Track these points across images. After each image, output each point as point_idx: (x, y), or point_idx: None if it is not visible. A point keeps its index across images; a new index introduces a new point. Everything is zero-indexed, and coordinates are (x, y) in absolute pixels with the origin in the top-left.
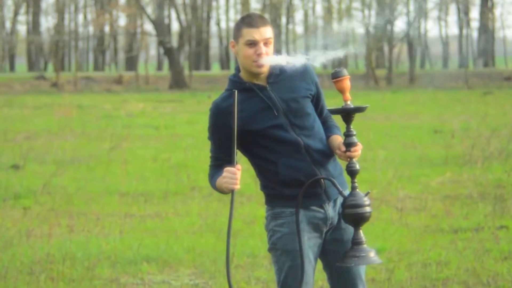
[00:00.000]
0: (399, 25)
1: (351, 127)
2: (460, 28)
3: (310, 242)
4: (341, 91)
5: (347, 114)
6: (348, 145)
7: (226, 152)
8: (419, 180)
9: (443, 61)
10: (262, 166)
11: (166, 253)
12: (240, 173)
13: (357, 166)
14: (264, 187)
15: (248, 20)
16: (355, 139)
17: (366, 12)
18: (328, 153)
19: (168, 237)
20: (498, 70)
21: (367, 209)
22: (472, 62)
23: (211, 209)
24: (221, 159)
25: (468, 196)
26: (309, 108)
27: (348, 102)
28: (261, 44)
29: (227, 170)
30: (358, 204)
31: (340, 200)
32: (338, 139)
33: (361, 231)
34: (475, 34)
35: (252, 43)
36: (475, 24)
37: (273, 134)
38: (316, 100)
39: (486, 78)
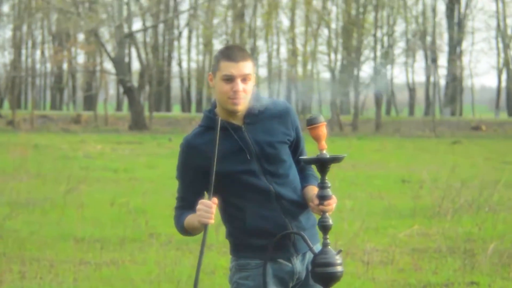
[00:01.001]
0: (366, 70)
1: (326, 178)
2: (428, 75)
3: None
4: (317, 139)
5: (322, 164)
6: (322, 198)
7: (195, 193)
8: (386, 232)
9: (409, 108)
10: (229, 212)
11: None
12: (215, 208)
13: (330, 221)
14: (229, 235)
15: (227, 53)
16: (329, 191)
17: (332, 56)
18: (301, 203)
19: (124, 286)
20: (465, 119)
21: (339, 268)
22: (439, 110)
23: (169, 257)
24: (188, 200)
25: (437, 249)
26: (285, 154)
27: (324, 151)
28: (238, 80)
29: (202, 203)
30: (329, 262)
31: (309, 254)
32: (313, 190)
33: None
34: (442, 82)
35: (229, 79)
36: (442, 71)
37: (243, 179)
38: (295, 147)
39: (453, 127)
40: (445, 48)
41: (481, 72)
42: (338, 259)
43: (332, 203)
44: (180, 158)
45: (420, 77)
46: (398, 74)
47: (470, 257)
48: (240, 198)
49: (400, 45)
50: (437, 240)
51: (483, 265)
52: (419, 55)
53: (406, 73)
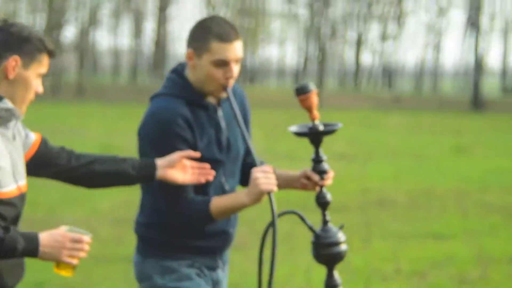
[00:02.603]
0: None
1: (321, 150)
2: (133, 40)
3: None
4: (308, 108)
5: (316, 136)
6: (321, 172)
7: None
8: (86, 203)
9: (114, 73)
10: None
11: None
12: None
13: (329, 196)
14: (158, 230)
15: (219, 31)
16: (327, 165)
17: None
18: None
19: None
20: None
21: (343, 247)
22: (146, 75)
23: None
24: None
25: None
26: (242, 150)
27: (317, 121)
28: (233, 65)
29: (259, 170)
30: (332, 242)
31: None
32: (287, 172)
33: (336, 273)
34: (148, 47)
35: (223, 63)
36: (149, 36)
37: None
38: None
39: None
40: (150, 12)
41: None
42: (341, 236)
43: (331, 176)
44: (167, 132)
45: (126, 41)
46: (103, 37)
47: None
48: (197, 192)
49: (106, 6)
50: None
51: None
52: (126, 18)
53: (112, 36)
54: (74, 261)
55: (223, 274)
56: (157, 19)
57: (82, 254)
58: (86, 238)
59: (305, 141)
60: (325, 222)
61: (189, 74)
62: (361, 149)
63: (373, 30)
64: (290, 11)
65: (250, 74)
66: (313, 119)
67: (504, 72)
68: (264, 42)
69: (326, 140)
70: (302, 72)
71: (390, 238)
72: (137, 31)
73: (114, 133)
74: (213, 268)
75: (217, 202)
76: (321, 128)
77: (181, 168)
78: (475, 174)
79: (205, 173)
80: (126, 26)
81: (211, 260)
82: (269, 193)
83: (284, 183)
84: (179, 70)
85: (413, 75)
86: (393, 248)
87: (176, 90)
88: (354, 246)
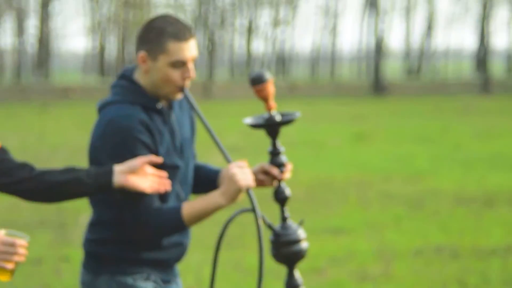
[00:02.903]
0: None
1: (278, 142)
2: (16, 39)
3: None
4: (264, 98)
5: (273, 127)
6: (280, 165)
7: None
8: None
9: None
10: None
11: None
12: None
13: (288, 191)
14: (114, 247)
15: (174, 31)
16: (285, 157)
17: None
18: None
19: None
20: (55, 84)
21: (304, 245)
22: (30, 74)
23: None
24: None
25: (27, 223)
26: (194, 155)
27: (273, 112)
28: (190, 65)
29: (235, 166)
30: (292, 240)
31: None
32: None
33: (296, 272)
34: (31, 45)
35: (181, 64)
36: (32, 34)
37: (171, 179)
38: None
39: (43, 92)
40: (33, 10)
41: (72, 35)
42: (301, 233)
43: (290, 169)
44: (128, 140)
45: (9, 40)
46: None
47: (62, 229)
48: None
49: None
50: (27, 213)
51: (75, 238)
52: (8, 16)
53: None
54: (9, 266)
55: (176, 286)
56: (39, 16)
57: (17, 258)
58: (22, 241)
59: None
60: (284, 219)
61: (141, 77)
62: (254, 141)
63: (265, 16)
64: (176, 1)
65: None
66: (269, 109)
67: (407, 54)
68: None
69: (219, 133)
70: None
71: None
72: (20, 30)
73: None
74: (168, 281)
75: (189, 207)
76: (278, 118)
77: (142, 175)
78: (377, 163)
79: (163, 182)
80: (8, 25)
81: (166, 273)
82: (248, 189)
83: None
84: (127, 76)
85: (309, 62)
86: None
87: (129, 96)
88: (248, 244)
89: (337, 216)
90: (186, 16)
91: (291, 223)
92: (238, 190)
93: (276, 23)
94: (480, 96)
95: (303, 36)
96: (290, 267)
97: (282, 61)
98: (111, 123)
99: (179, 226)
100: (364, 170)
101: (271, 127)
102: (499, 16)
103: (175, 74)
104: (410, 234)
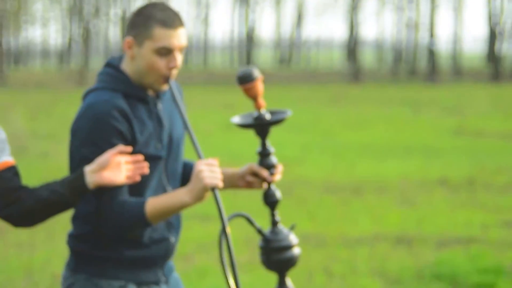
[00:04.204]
0: None
1: (268, 142)
2: None
3: None
4: (253, 97)
5: (263, 127)
6: (269, 167)
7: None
8: None
9: None
10: None
11: None
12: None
13: (279, 194)
14: (92, 244)
15: (162, 17)
16: (275, 158)
17: None
18: (180, 218)
19: None
20: None
21: (296, 251)
22: None
23: None
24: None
25: None
26: (183, 150)
27: (263, 110)
28: (177, 54)
29: (203, 163)
30: (284, 246)
31: (174, 275)
32: (228, 169)
33: (288, 279)
34: None
35: (167, 52)
36: None
37: (152, 170)
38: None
39: None
40: None
41: None
42: (293, 239)
43: (280, 171)
44: (102, 126)
45: None
46: None
47: None
48: (136, 195)
49: None
50: None
51: None
52: None
53: None
54: None
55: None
56: None
57: None
58: None
59: (66, 123)
60: (274, 224)
61: (127, 65)
62: None
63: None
64: None
65: (14, 56)
66: (259, 108)
67: (278, 43)
68: (27, 24)
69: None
70: (67, 52)
71: None
72: None
73: None
74: (155, 283)
75: (153, 203)
76: (268, 117)
77: (115, 167)
78: (247, 151)
79: (139, 167)
80: None
81: (151, 273)
82: (213, 188)
83: (225, 182)
84: (114, 63)
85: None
86: None
87: (112, 84)
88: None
89: (205, 203)
90: (61, 6)
91: (282, 228)
92: (203, 189)
93: None
94: (351, 85)
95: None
96: (281, 275)
97: None
98: (87, 109)
99: (141, 221)
100: (234, 158)
101: (261, 127)
102: (368, 6)
103: (160, 62)
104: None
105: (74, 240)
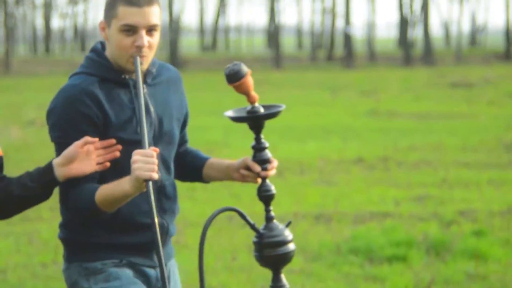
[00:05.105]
0: None
1: (262, 136)
2: None
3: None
4: (245, 93)
5: (257, 121)
6: (263, 161)
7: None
8: None
9: None
10: None
11: None
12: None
13: (273, 189)
14: (80, 232)
15: None
16: (269, 153)
17: None
18: (176, 204)
19: None
20: None
21: (291, 246)
22: None
23: None
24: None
25: None
26: (177, 137)
27: (256, 104)
28: (143, 32)
29: (139, 153)
30: (279, 242)
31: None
32: (220, 160)
33: (282, 276)
34: None
35: (131, 30)
36: None
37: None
38: (182, 125)
39: None
40: None
41: None
42: (288, 235)
43: (275, 166)
44: (69, 110)
45: None
46: None
47: None
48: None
49: None
50: None
51: None
52: None
53: None
54: None
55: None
56: None
57: None
58: None
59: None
60: (269, 219)
61: (108, 50)
62: None
63: None
64: None
65: None
66: (252, 102)
67: (201, 30)
68: None
69: (19, 107)
70: None
71: None
72: None
73: None
74: (153, 267)
75: (101, 191)
76: (262, 111)
77: (84, 157)
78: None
79: (111, 151)
80: None
81: (147, 259)
82: (147, 181)
83: (220, 174)
84: (98, 48)
85: None
86: None
87: (91, 68)
88: (44, 217)
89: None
90: None
91: (277, 223)
92: (136, 180)
93: (73, 0)
94: (272, 70)
95: (100, 13)
96: (276, 271)
97: (80, 38)
98: (59, 93)
99: (93, 208)
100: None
101: (255, 120)
102: None
103: (126, 40)
104: (203, 203)
105: (62, 229)
